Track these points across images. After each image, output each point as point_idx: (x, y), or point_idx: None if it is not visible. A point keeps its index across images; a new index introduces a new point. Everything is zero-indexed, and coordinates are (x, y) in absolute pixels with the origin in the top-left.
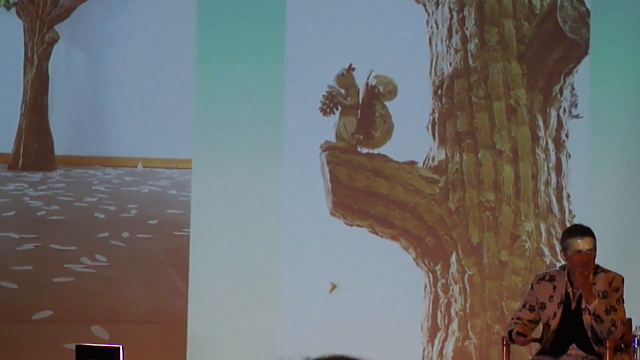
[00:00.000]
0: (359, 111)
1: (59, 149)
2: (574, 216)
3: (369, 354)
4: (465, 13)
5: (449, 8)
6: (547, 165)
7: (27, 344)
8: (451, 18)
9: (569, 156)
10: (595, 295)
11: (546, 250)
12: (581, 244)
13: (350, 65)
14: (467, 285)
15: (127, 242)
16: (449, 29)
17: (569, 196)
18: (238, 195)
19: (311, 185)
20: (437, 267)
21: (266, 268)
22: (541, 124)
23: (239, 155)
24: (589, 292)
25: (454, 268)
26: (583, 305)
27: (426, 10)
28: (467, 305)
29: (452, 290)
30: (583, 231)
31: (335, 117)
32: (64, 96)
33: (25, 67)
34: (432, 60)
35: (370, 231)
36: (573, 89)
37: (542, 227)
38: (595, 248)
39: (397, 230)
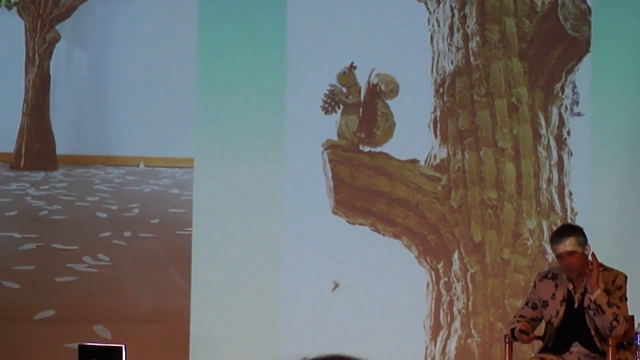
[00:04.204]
0: (361, 109)
1: (61, 149)
2: (576, 214)
3: (372, 353)
4: (467, 11)
5: (450, 6)
6: (549, 163)
7: (29, 344)
8: (452, 16)
9: (571, 154)
10: (599, 285)
11: (548, 248)
12: (560, 248)
13: (352, 63)
14: (469, 283)
15: (129, 241)
16: (451, 27)
17: (570, 194)
18: (240, 194)
19: (313, 183)
20: (440, 265)
21: (268, 267)
22: (543, 121)
23: (241, 154)
24: (595, 281)
25: (456, 266)
26: (586, 303)
27: (427, 8)
28: (470, 303)
29: (455, 288)
30: (561, 234)
31: (337, 116)
32: (65, 95)
33: (26, 66)
34: (433, 58)
35: (372, 229)
36: (574, 86)
37: (544, 224)
38: (580, 246)
39: (399, 229)
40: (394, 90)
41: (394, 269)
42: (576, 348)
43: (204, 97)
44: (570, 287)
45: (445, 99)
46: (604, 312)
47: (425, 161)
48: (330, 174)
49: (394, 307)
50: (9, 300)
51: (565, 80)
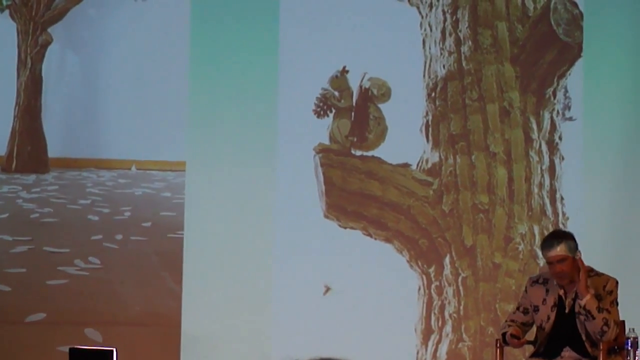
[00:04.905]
0: (353, 113)
1: (53, 151)
2: (568, 218)
3: (363, 356)
4: (459, 15)
5: (443, 11)
6: (541, 168)
7: (20, 347)
8: (445, 20)
9: (563, 158)
10: (589, 291)
11: (539, 253)
12: (550, 254)
13: (344, 67)
14: (460, 288)
15: (121, 244)
16: (443, 32)
17: (562, 198)
18: (232, 197)
19: (305, 187)
20: (431, 270)
21: (260, 270)
22: (535, 126)
23: (233, 157)
24: (584, 286)
25: (447, 270)
26: (576, 308)
27: (420, 12)
28: (461, 307)
29: (446, 292)
30: (551, 241)
31: (329, 120)
32: (57, 98)
33: (18, 69)
34: (425, 62)
35: (364, 233)
36: (566, 91)
37: (536, 229)
38: (571, 252)
39: (391, 233)
40: (386, 95)
41: (386, 273)
42: (567, 353)
43: (196, 101)
44: (561, 292)
45: (437, 103)
46: (594, 318)
47: (417, 165)
48: (322, 178)
49: (385, 311)
50: (0, 303)
51: (557, 85)
